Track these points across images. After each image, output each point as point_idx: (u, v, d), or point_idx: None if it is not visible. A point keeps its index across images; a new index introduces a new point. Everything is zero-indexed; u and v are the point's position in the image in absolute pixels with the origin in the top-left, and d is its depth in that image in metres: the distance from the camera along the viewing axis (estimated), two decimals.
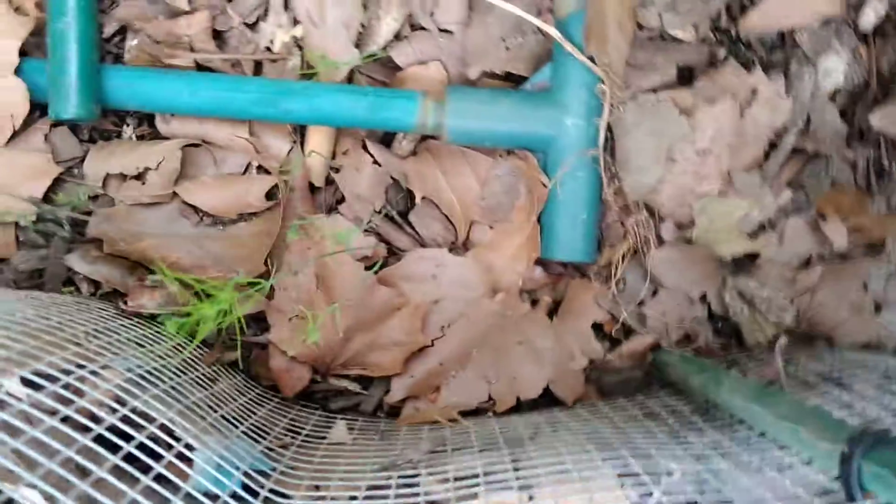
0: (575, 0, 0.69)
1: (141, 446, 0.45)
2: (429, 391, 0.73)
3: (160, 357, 0.62)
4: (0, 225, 0.70)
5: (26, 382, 0.48)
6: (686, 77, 0.73)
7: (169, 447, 0.48)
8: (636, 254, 0.74)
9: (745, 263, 0.75)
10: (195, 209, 0.73)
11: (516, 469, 0.55)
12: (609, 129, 0.70)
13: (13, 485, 0.44)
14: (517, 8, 0.68)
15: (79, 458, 0.41)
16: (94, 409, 0.48)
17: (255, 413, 0.66)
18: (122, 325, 0.65)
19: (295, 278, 0.73)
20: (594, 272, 0.75)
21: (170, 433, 0.50)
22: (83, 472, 0.41)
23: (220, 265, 0.71)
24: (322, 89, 0.70)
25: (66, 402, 0.47)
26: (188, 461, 0.50)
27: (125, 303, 0.69)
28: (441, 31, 0.72)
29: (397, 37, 0.73)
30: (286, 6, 0.72)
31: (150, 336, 0.67)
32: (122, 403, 0.50)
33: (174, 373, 0.61)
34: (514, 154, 0.73)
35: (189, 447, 0.50)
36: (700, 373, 0.67)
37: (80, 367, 0.51)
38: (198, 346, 0.72)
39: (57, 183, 0.71)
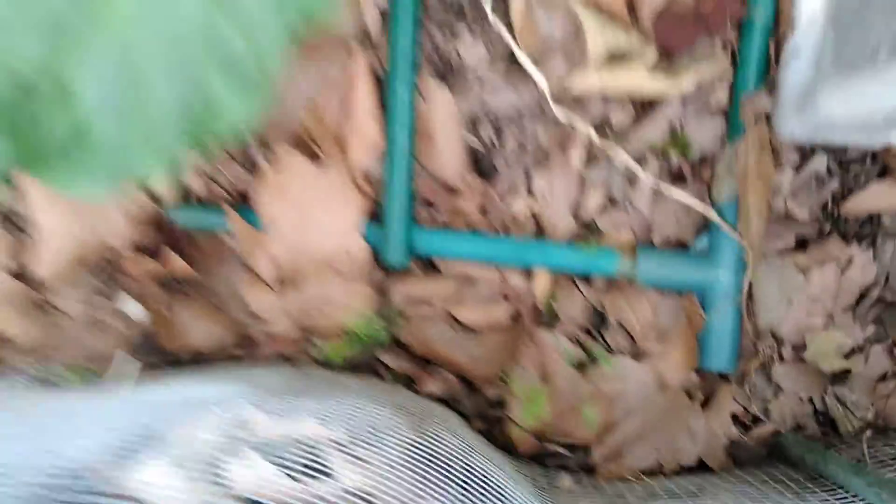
0: (728, 193, 1.01)
1: None
2: (616, 456, 1.05)
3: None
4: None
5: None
6: (802, 244, 1.04)
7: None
8: (764, 367, 1.05)
9: (841, 377, 1.03)
10: (456, 320, 1.07)
11: None
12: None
13: None
14: (689, 197, 1.01)
15: None
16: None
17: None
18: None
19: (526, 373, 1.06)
20: (733, 378, 1.06)
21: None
22: None
23: (478, 365, 1.04)
24: (552, 246, 1.03)
25: None
26: None
27: (420, 387, 1.02)
28: (634, 208, 1.06)
29: (601, 208, 1.07)
30: (529, 190, 1.06)
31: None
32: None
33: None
34: (681, 295, 1.05)
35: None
36: (810, 452, 0.97)
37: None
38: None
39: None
